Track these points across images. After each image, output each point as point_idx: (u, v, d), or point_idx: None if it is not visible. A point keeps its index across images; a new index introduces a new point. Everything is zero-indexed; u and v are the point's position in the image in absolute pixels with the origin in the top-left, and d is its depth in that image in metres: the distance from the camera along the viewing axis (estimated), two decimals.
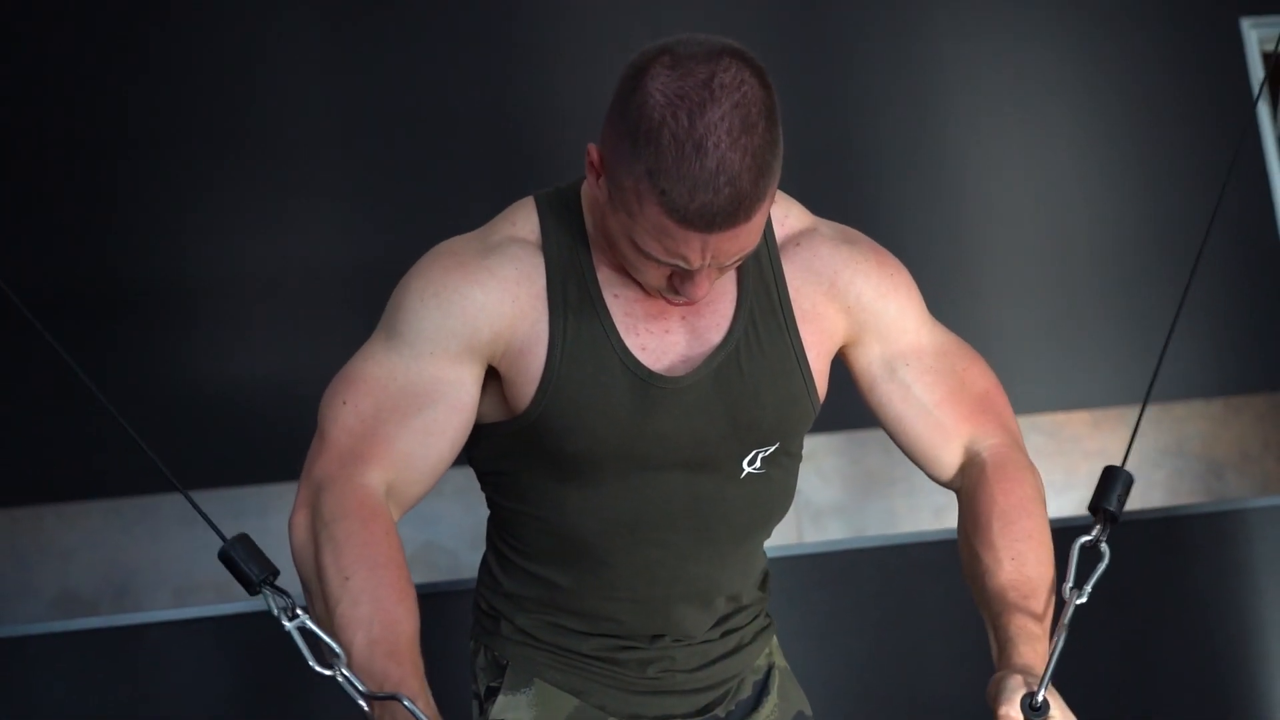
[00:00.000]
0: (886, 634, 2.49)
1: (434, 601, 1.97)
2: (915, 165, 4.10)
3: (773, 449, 1.48)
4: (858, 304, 1.50)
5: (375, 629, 1.28)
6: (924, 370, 1.53)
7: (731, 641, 1.57)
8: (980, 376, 1.56)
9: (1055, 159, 4.16)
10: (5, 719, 2.32)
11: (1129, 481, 1.40)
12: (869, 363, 1.53)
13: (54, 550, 3.57)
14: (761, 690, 1.61)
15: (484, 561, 1.59)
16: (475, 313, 1.41)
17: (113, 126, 3.75)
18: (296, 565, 1.38)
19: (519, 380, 1.42)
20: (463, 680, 1.65)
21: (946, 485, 1.56)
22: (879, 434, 4.07)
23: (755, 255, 1.46)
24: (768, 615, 1.65)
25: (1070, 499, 4.01)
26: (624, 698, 1.53)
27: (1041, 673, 1.30)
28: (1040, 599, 1.41)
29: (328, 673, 1.23)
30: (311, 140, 3.79)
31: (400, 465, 1.40)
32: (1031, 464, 1.53)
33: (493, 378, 1.45)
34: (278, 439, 3.41)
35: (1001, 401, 1.57)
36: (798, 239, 1.50)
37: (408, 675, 1.26)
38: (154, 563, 3.62)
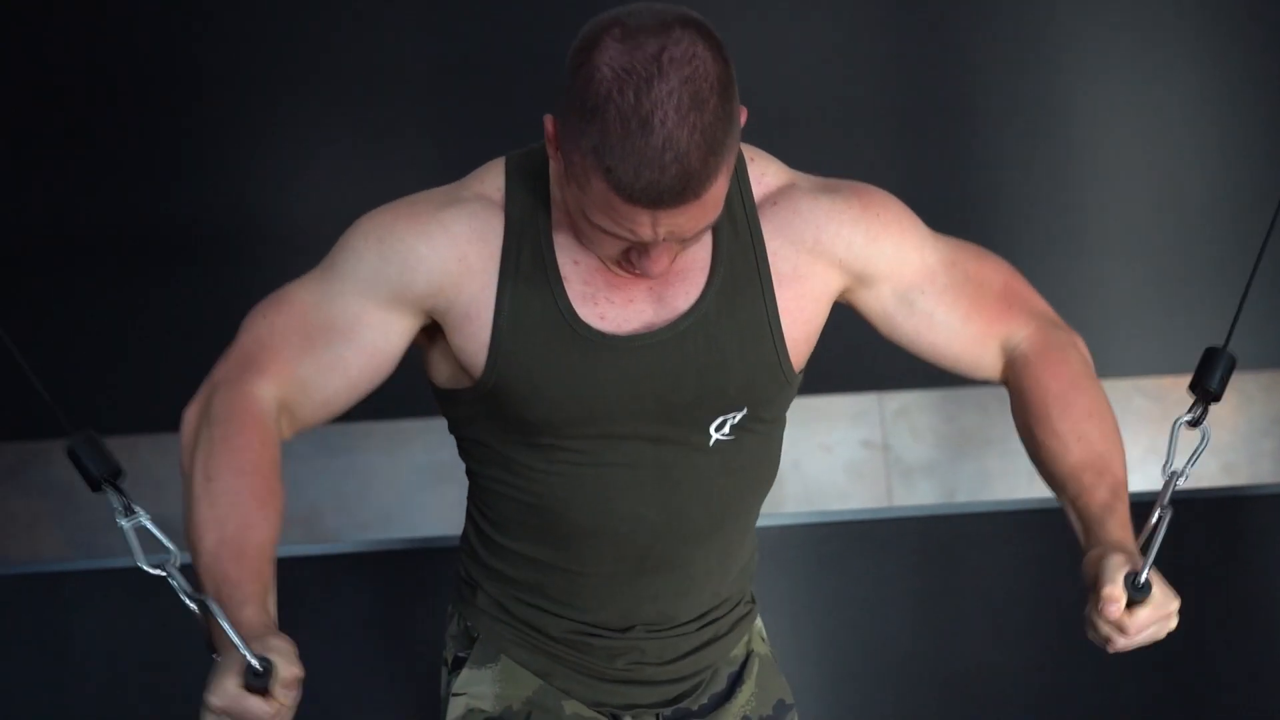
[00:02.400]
0: (925, 606, 2.47)
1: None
2: (1019, 117, 4.05)
3: (740, 414, 1.44)
4: (849, 254, 1.47)
5: (227, 530, 1.33)
6: (941, 291, 1.51)
7: (707, 634, 1.55)
8: (994, 271, 1.55)
9: (1169, 113, 4.08)
10: (115, 643, 2.42)
11: (1231, 362, 1.43)
12: (882, 304, 1.51)
13: (149, 479, 3.68)
14: (736, 680, 1.59)
15: (465, 530, 1.60)
16: (415, 264, 1.40)
17: (177, 72, 3.81)
18: (180, 461, 1.43)
19: (468, 347, 1.42)
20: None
21: (994, 381, 1.57)
22: (976, 392, 4.07)
23: (732, 219, 1.43)
24: (749, 602, 1.62)
25: (1209, 465, 3.95)
26: (590, 684, 1.52)
27: (1140, 549, 1.34)
28: (1115, 472, 1.45)
29: (157, 572, 1.27)
30: (391, 91, 3.82)
31: (295, 388, 1.43)
32: (1071, 335, 1.54)
33: (444, 338, 1.45)
34: None
35: (1021, 286, 1.56)
36: (775, 198, 1.47)
37: (246, 580, 1.30)
38: None
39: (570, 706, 1.52)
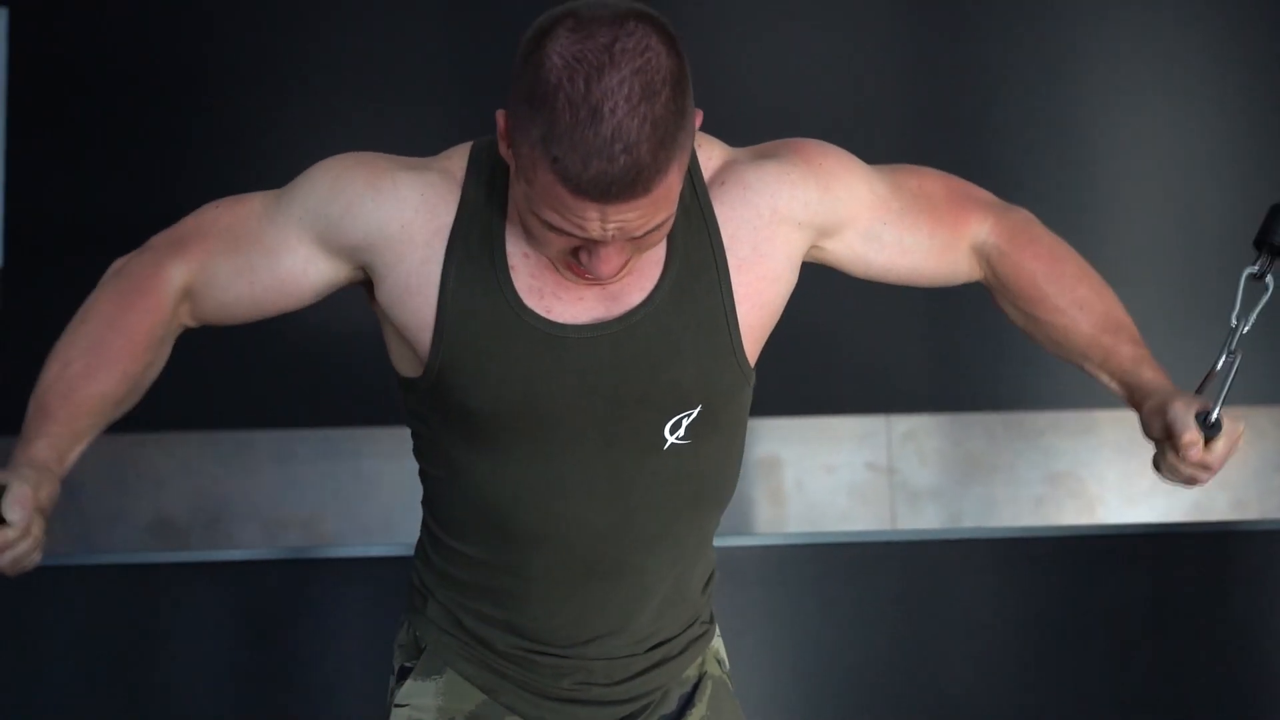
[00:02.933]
0: (915, 631, 2.46)
1: None
2: (1035, 132, 4.05)
3: (695, 413, 1.41)
4: (806, 213, 1.45)
5: (70, 370, 1.39)
6: (900, 216, 1.51)
7: (658, 654, 1.52)
8: (932, 181, 1.56)
9: (1190, 136, 4.08)
10: (100, 640, 2.42)
11: None
12: (851, 248, 1.51)
13: (151, 477, 3.69)
14: (687, 703, 1.55)
15: (419, 537, 1.58)
16: (356, 213, 1.40)
17: (192, 72, 3.84)
18: None
19: (412, 323, 1.40)
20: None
21: (972, 282, 1.60)
22: (984, 418, 4.07)
23: (684, 208, 1.39)
24: (706, 622, 1.58)
25: (1184, 499, 3.94)
26: (535, 701, 1.50)
27: (1203, 389, 1.44)
28: (1126, 323, 1.52)
29: None
30: (415, 89, 3.84)
31: (204, 280, 1.45)
32: (1025, 213, 1.58)
33: (388, 320, 1.44)
34: (373, 381, 3.49)
35: (960, 185, 1.58)
36: (721, 177, 1.44)
37: (57, 419, 1.36)
38: (246, 496, 3.73)
39: None
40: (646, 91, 1.20)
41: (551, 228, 1.27)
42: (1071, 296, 1.53)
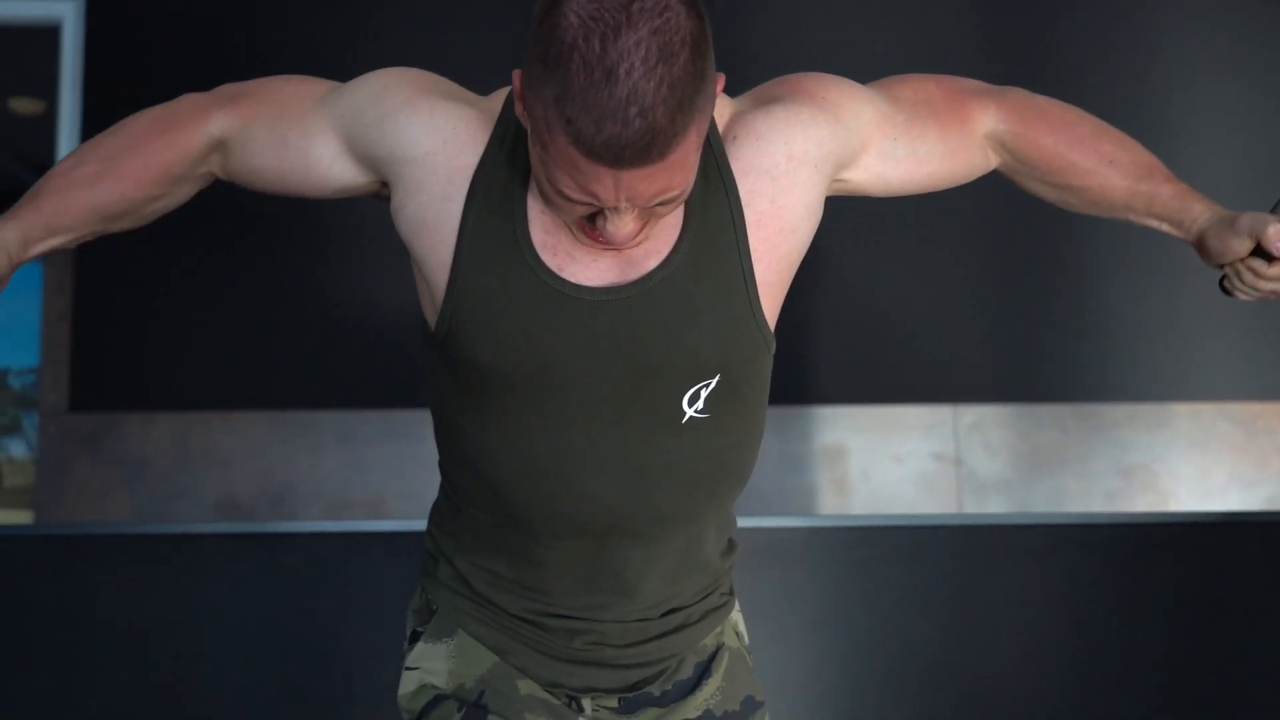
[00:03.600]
0: (953, 617, 2.44)
1: None
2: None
3: (714, 382, 1.37)
4: (821, 151, 1.42)
5: (77, 173, 1.43)
6: (907, 127, 1.50)
7: (674, 620, 1.50)
8: (925, 85, 1.55)
9: (1261, 144, 4.01)
10: (166, 610, 2.45)
11: None
12: (870, 171, 1.49)
13: (218, 456, 3.73)
14: (704, 672, 1.53)
15: (435, 500, 1.57)
16: (386, 127, 1.40)
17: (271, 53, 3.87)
18: None
19: (430, 260, 1.38)
20: None
21: (989, 170, 1.59)
22: (1054, 409, 4.02)
23: (703, 169, 1.35)
24: (726, 593, 1.56)
25: (1259, 494, 3.89)
26: (547, 663, 1.48)
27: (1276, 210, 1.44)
28: (1158, 165, 1.54)
29: None
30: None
31: (240, 138, 1.48)
32: (1021, 90, 1.58)
33: (410, 249, 1.43)
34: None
35: (951, 81, 1.58)
36: (734, 130, 1.41)
37: (42, 209, 1.41)
38: (309, 476, 3.77)
39: (525, 686, 1.48)
40: (664, 53, 1.16)
41: (564, 193, 1.24)
42: (1097, 155, 1.53)
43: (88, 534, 2.56)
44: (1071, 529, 2.55)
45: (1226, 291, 1.50)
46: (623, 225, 1.26)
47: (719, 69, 1.26)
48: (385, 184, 1.43)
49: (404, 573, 2.23)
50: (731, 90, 1.45)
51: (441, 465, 1.52)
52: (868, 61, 3.90)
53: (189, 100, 1.51)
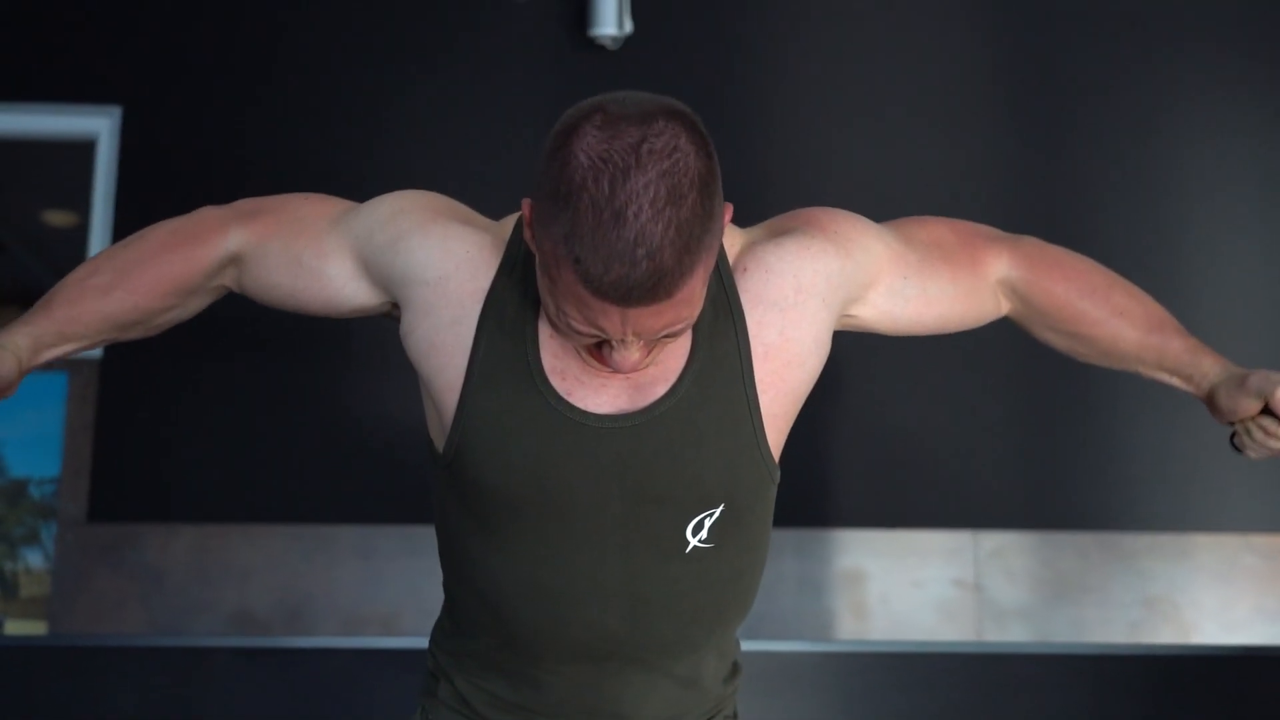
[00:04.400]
0: None
1: None
2: (1141, 258, 4.02)
3: (719, 512, 1.37)
4: (829, 285, 1.43)
5: (90, 283, 1.44)
6: (919, 268, 1.51)
7: None
8: (938, 228, 1.56)
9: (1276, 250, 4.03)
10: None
11: None
12: (878, 308, 1.50)
13: (236, 569, 3.73)
14: None
15: (438, 618, 1.57)
16: (399, 249, 1.42)
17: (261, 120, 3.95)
18: None
19: (438, 382, 1.39)
20: None
21: (1000, 316, 1.60)
22: (1076, 537, 3.98)
23: (711, 299, 1.38)
24: (729, 717, 1.55)
25: None
26: None
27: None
28: (1170, 319, 1.55)
29: None
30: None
31: (257, 254, 1.50)
32: (1036, 239, 1.58)
33: (418, 369, 1.44)
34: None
35: (965, 226, 1.58)
36: (744, 262, 1.42)
37: (54, 318, 1.41)
38: (326, 590, 3.76)
39: None
40: (673, 195, 1.18)
41: (571, 325, 1.26)
42: (1109, 306, 1.54)
43: (102, 645, 2.56)
44: (1093, 660, 2.53)
45: (1237, 449, 1.51)
46: (628, 355, 1.28)
47: (729, 197, 1.29)
48: (396, 305, 1.45)
49: (413, 689, 2.23)
50: (745, 213, 1.48)
51: (445, 585, 1.52)
52: (889, 178, 3.95)
53: (207, 214, 1.53)
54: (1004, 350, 3.89)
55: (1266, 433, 1.47)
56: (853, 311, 1.48)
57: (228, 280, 1.53)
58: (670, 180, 1.18)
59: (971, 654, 2.44)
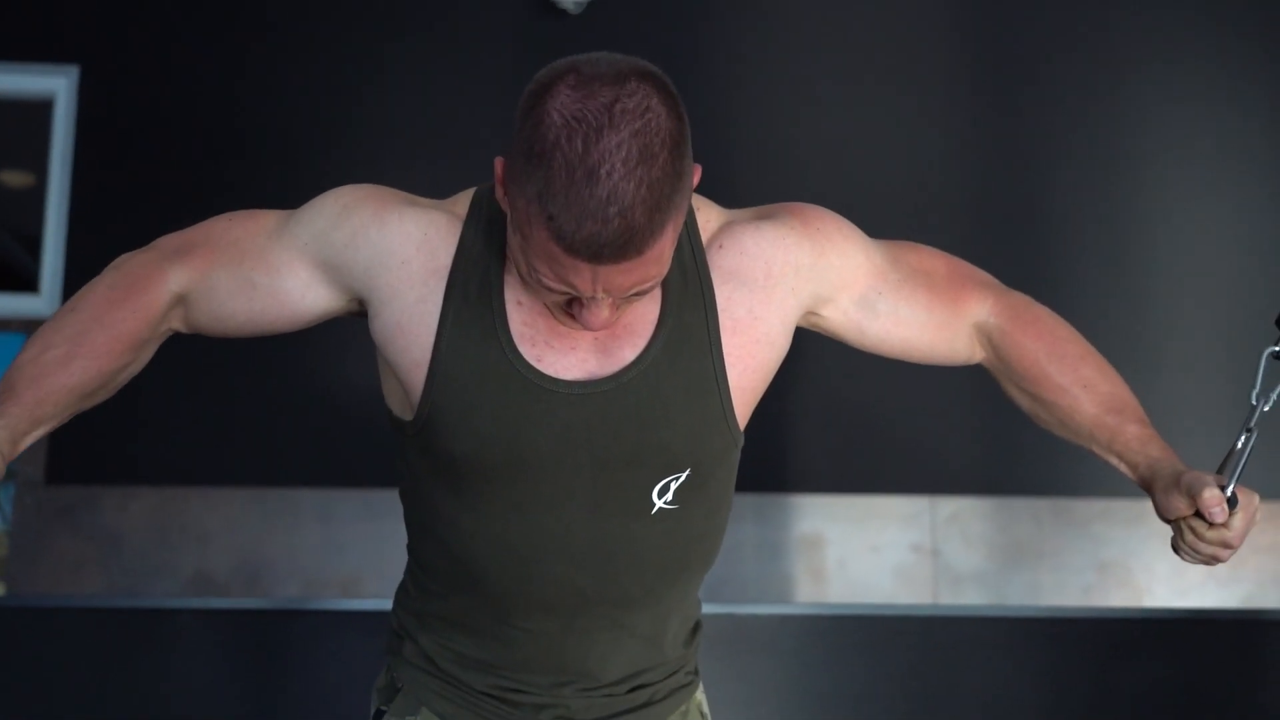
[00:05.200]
0: (923, 708, 2.43)
1: None
2: (1096, 230, 4.05)
3: (684, 476, 1.40)
4: (799, 276, 1.44)
5: (47, 355, 1.38)
6: (897, 287, 1.50)
7: (640, 697, 1.50)
8: (934, 259, 1.54)
9: (1247, 234, 4.07)
10: (137, 685, 2.44)
11: None
12: (846, 314, 1.49)
13: (195, 532, 3.73)
14: None
15: (402, 580, 1.58)
16: (360, 243, 1.40)
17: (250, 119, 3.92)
18: None
19: (404, 362, 1.40)
20: None
21: (973, 363, 1.57)
22: (1032, 502, 4.03)
23: (682, 269, 1.40)
24: (691, 673, 1.57)
25: (1235, 592, 3.90)
26: None
27: (1223, 469, 1.39)
28: (1131, 404, 1.49)
29: None
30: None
31: (202, 289, 1.45)
32: (1024, 295, 1.56)
33: (382, 355, 1.44)
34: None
35: (963, 266, 1.56)
36: (719, 239, 1.44)
37: (22, 401, 1.35)
38: (287, 554, 3.76)
39: None
40: (644, 154, 1.20)
41: (543, 282, 1.27)
42: (1075, 376, 1.50)
43: (60, 606, 2.55)
44: (1046, 623, 2.56)
45: (1176, 550, 1.43)
46: (598, 313, 1.29)
47: (698, 159, 1.29)
48: (360, 301, 1.44)
49: (374, 652, 2.24)
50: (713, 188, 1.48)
51: (411, 547, 1.53)
52: (856, 159, 3.96)
53: (134, 261, 1.46)
54: None
55: (1195, 534, 1.39)
56: (821, 312, 1.49)
57: (174, 323, 1.49)
58: (642, 140, 1.20)
59: (927, 617, 2.47)
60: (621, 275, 1.24)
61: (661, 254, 1.25)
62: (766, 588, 3.79)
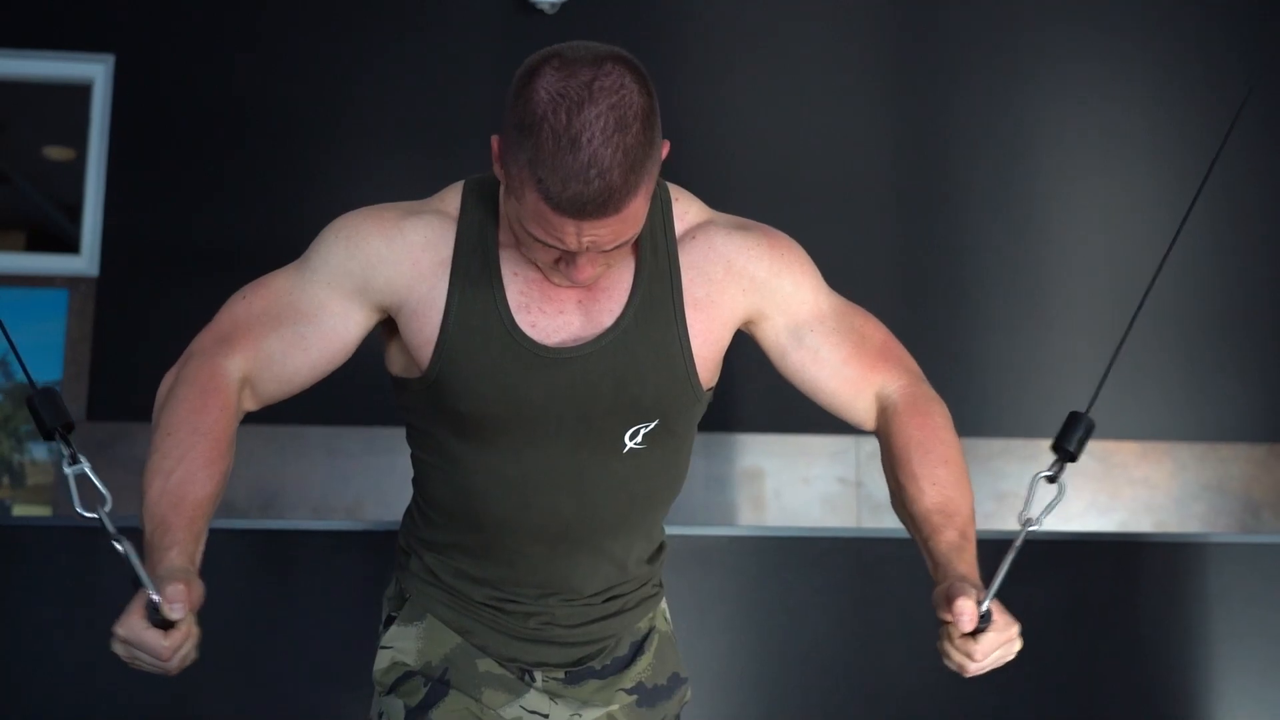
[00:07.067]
0: (851, 617, 2.45)
1: None
2: (1001, 205, 4.07)
3: (653, 425, 1.42)
4: (753, 284, 1.45)
5: (171, 482, 1.30)
6: (829, 333, 1.48)
7: (613, 606, 1.53)
8: (875, 330, 1.52)
9: (1129, 210, 4.10)
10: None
11: (1089, 426, 1.39)
12: (776, 335, 1.48)
13: None
14: (638, 650, 1.56)
15: (408, 507, 1.59)
16: (376, 262, 1.40)
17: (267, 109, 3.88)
18: (153, 417, 1.40)
19: (416, 341, 1.41)
20: None
21: (867, 429, 1.52)
22: None
23: (654, 248, 1.42)
24: (657, 585, 1.60)
25: (1113, 519, 3.96)
26: (505, 642, 1.50)
27: (986, 583, 1.30)
28: (963, 515, 1.39)
29: (90, 515, 1.25)
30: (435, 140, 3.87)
31: (260, 362, 1.41)
32: (936, 395, 1.50)
33: (397, 334, 1.44)
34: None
35: (898, 348, 1.53)
36: (694, 233, 1.45)
37: (177, 527, 1.27)
38: (297, 483, 3.75)
39: (484, 664, 1.50)
40: (620, 124, 1.22)
41: (536, 239, 1.29)
42: (930, 471, 1.42)
43: (97, 526, 2.53)
44: None
45: (940, 647, 1.31)
46: (583, 268, 1.31)
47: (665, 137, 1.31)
48: (386, 309, 1.43)
49: (378, 567, 2.24)
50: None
51: (416, 480, 1.54)
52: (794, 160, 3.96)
53: (189, 371, 1.39)
54: (877, 275, 3.93)
55: (949, 640, 1.29)
56: (759, 324, 1.48)
57: (248, 404, 1.42)
58: (618, 112, 1.23)
59: (851, 538, 2.49)
60: (602, 230, 1.26)
61: (636, 213, 1.27)
62: (714, 513, 3.82)
